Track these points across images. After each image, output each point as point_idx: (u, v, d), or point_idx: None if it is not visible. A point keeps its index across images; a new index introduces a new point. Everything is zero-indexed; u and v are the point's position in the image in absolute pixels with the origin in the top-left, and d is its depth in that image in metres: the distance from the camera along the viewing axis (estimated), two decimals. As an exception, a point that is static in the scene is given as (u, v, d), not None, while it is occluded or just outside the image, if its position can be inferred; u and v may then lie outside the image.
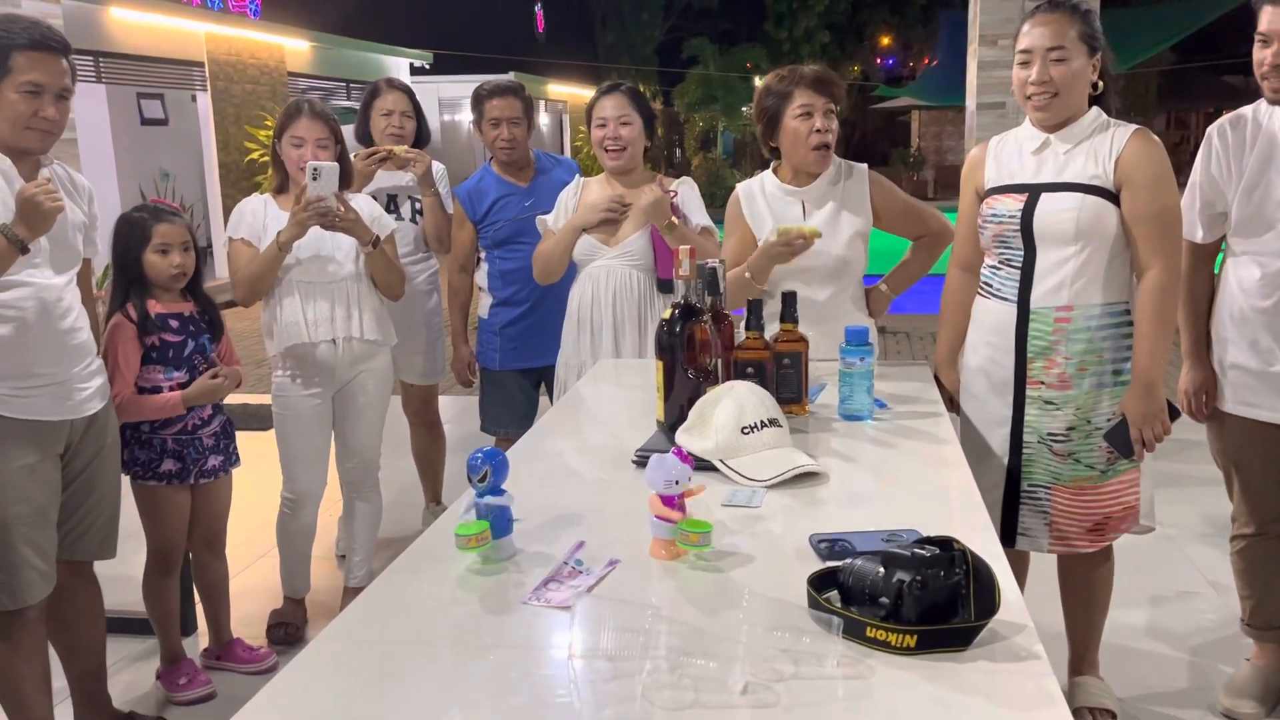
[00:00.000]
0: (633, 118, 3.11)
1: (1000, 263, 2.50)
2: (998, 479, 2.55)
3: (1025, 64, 2.39)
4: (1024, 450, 2.51)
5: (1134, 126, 2.40)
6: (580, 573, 1.54)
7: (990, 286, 2.54)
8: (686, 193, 3.17)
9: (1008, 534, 2.56)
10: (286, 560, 3.32)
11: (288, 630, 3.28)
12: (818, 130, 2.65)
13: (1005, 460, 2.54)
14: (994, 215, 2.47)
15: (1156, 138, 2.41)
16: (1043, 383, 2.46)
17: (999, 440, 2.55)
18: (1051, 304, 2.42)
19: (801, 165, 2.74)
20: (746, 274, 2.63)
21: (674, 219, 2.99)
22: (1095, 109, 2.43)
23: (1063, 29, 2.34)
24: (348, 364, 3.15)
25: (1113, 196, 2.36)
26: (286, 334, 3.06)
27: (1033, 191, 2.42)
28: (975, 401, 2.61)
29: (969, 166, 2.62)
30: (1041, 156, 2.44)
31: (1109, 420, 2.44)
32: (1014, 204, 2.43)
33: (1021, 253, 2.44)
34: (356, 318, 3.11)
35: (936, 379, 2.68)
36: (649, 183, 3.08)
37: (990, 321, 2.53)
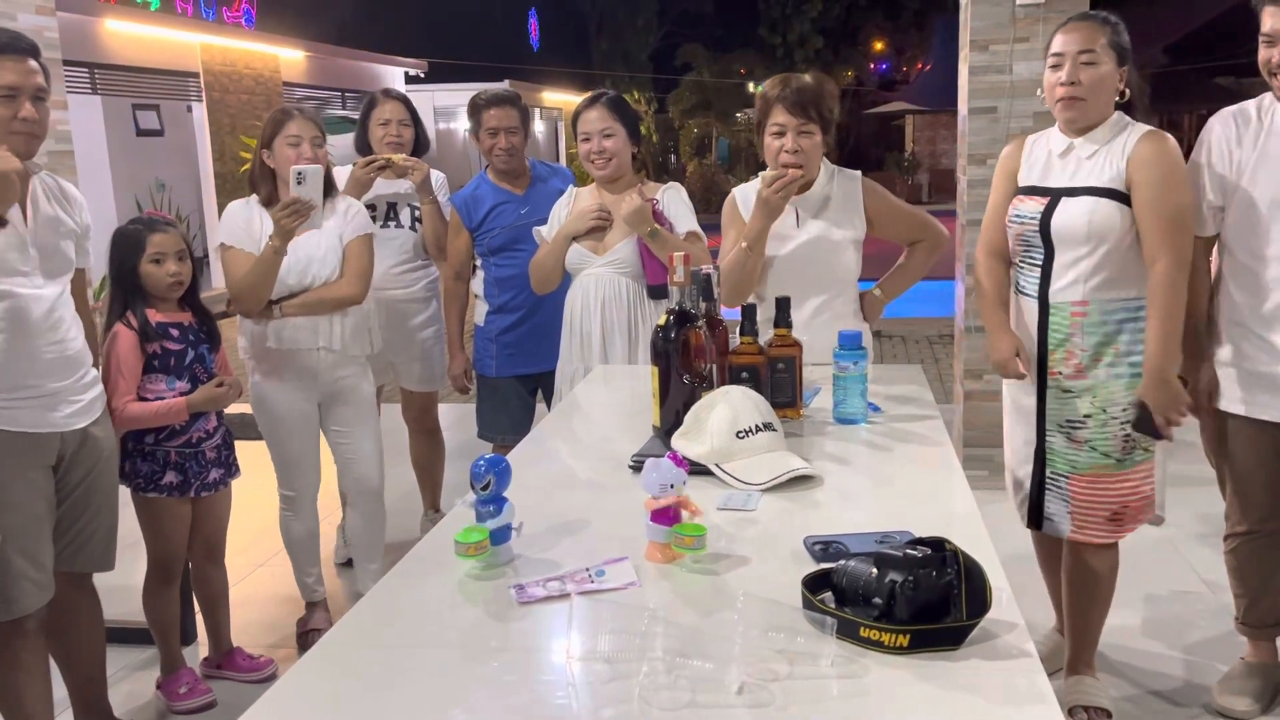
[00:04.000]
0: (616, 129, 3.13)
1: (1023, 261, 2.64)
2: (1027, 457, 2.69)
3: (1056, 66, 2.49)
4: (1046, 438, 2.63)
5: (1147, 128, 2.50)
6: (590, 580, 1.54)
7: (1018, 285, 2.67)
8: (673, 198, 3.19)
9: (1034, 516, 2.70)
10: (298, 563, 3.32)
11: (316, 636, 3.26)
12: (786, 151, 2.70)
13: (1034, 444, 2.67)
14: (1018, 216, 2.60)
15: (1170, 137, 2.48)
16: (1060, 372, 2.58)
17: (1028, 427, 2.68)
18: (1068, 299, 2.54)
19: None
20: (744, 243, 2.69)
21: (656, 225, 3.01)
22: (1117, 114, 2.52)
23: (1093, 35, 2.46)
24: (329, 370, 3.15)
25: (1125, 198, 2.46)
26: (263, 340, 3.08)
27: (1053, 196, 2.54)
28: (1011, 387, 2.75)
29: (1006, 159, 2.71)
30: (1065, 160, 2.56)
31: (1124, 410, 2.52)
32: (1036, 207, 2.56)
33: (1042, 251, 2.56)
34: (337, 330, 3.12)
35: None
36: (634, 189, 3.10)
37: (1020, 318, 2.66)
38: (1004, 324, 2.69)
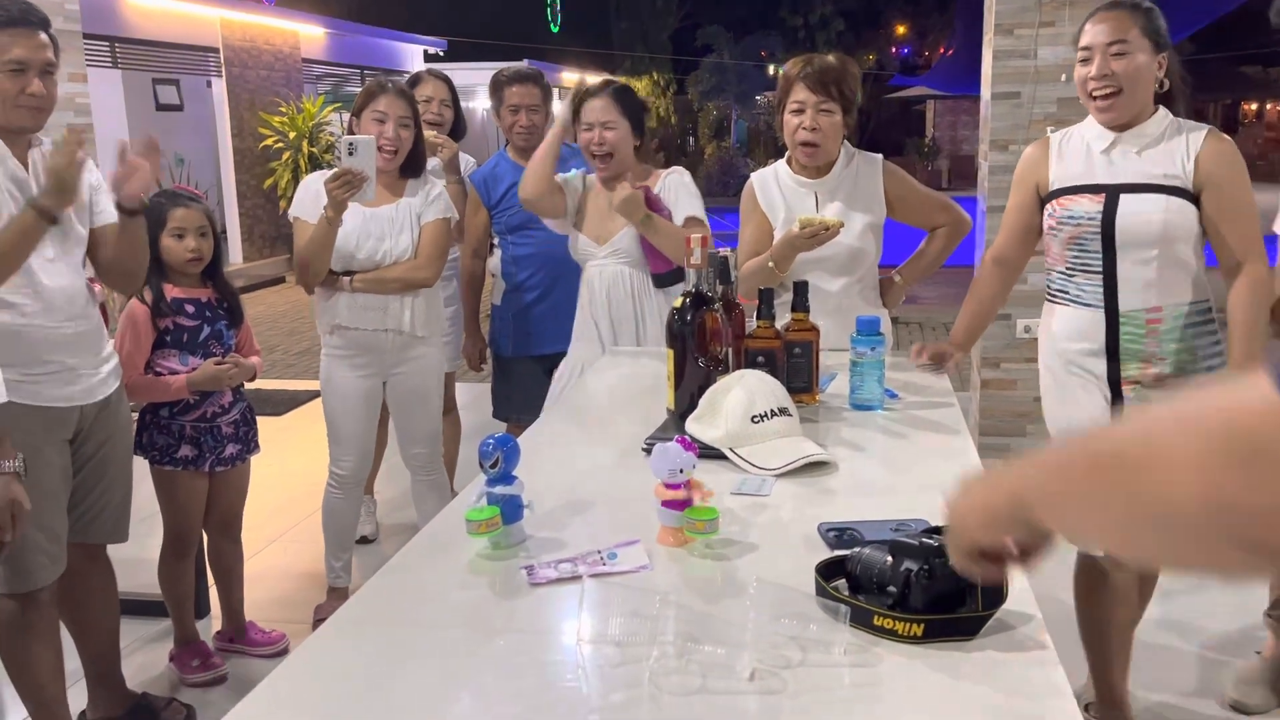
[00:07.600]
0: (618, 121, 3.03)
1: (1073, 268, 2.43)
2: None
3: (1086, 61, 2.34)
4: None
5: (1206, 127, 2.36)
6: (602, 562, 1.53)
7: (1066, 294, 2.47)
8: (674, 183, 3.11)
9: None
10: (330, 545, 3.29)
11: None
12: (804, 128, 2.65)
13: None
14: (1071, 217, 2.39)
15: (1228, 137, 2.37)
16: (1139, 383, 2.40)
17: None
18: (1140, 306, 2.36)
19: (795, 158, 2.77)
20: (770, 263, 2.63)
21: (649, 213, 2.95)
22: (1162, 110, 2.37)
23: (1123, 24, 2.30)
24: (396, 351, 3.14)
25: (1192, 197, 2.32)
26: (333, 316, 3.07)
27: (1110, 192, 2.35)
28: (1074, 408, 2.48)
29: (1028, 163, 2.53)
30: (1112, 156, 2.38)
31: None
32: (1092, 205, 2.36)
33: (1100, 256, 2.37)
34: (407, 313, 3.09)
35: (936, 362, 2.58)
36: (643, 179, 3.06)
37: (1071, 329, 2.46)
38: (960, 340, 2.61)
